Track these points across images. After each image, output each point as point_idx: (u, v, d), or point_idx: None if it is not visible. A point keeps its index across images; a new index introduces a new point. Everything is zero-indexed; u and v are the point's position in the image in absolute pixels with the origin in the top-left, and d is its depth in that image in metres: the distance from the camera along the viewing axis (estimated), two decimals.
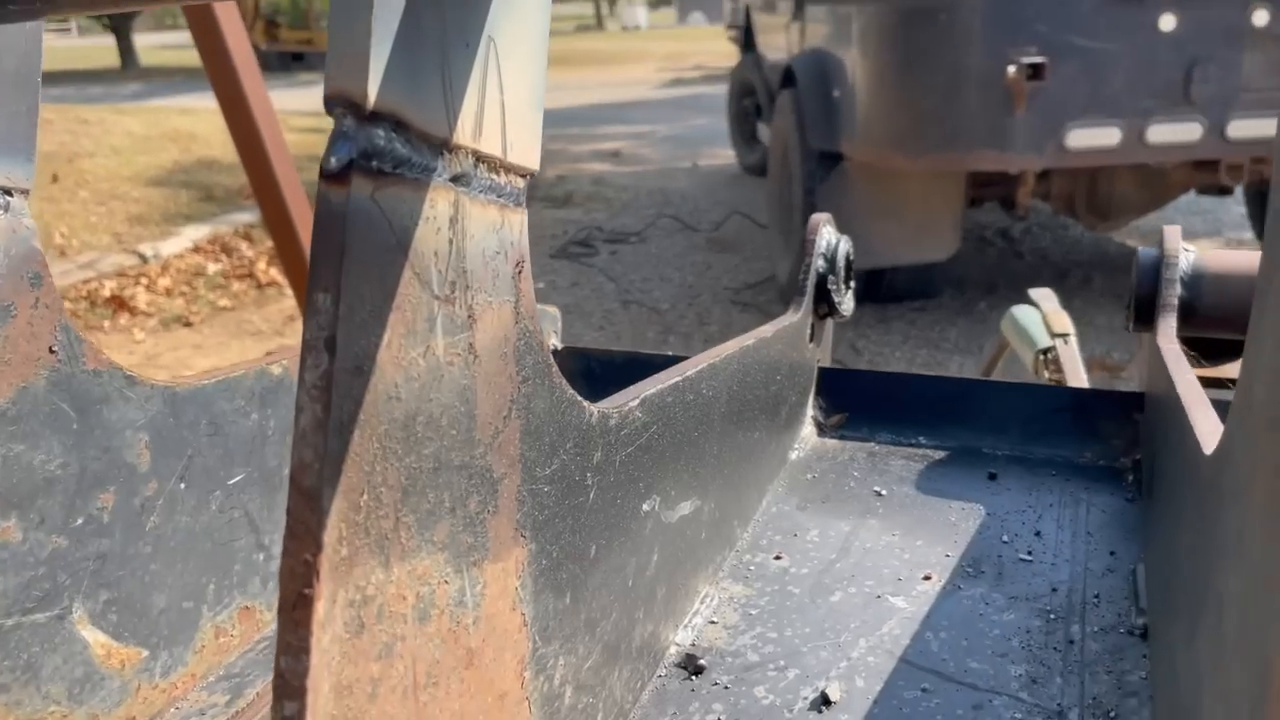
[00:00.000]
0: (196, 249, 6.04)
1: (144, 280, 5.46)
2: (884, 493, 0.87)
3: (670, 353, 0.98)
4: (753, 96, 8.15)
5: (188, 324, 4.99)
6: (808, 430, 1.00)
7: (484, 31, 0.42)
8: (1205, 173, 4.37)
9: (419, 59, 0.38)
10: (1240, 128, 3.54)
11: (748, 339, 0.81)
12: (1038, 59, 3.42)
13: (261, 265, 5.78)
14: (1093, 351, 4.09)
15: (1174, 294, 0.85)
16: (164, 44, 44.42)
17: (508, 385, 0.48)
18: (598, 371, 0.98)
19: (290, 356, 0.71)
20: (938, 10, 3.64)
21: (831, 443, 0.99)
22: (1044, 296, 1.56)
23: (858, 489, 0.88)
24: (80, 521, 0.56)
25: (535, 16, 0.46)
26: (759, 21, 7.65)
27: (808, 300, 0.94)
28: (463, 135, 0.42)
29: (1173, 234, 0.89)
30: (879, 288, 4.67)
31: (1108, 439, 0.92)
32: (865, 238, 4.33)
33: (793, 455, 0.95)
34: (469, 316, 0.44)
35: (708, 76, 19.39)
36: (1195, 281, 0.87)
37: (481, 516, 0.46)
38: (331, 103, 0.36)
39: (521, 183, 0.47)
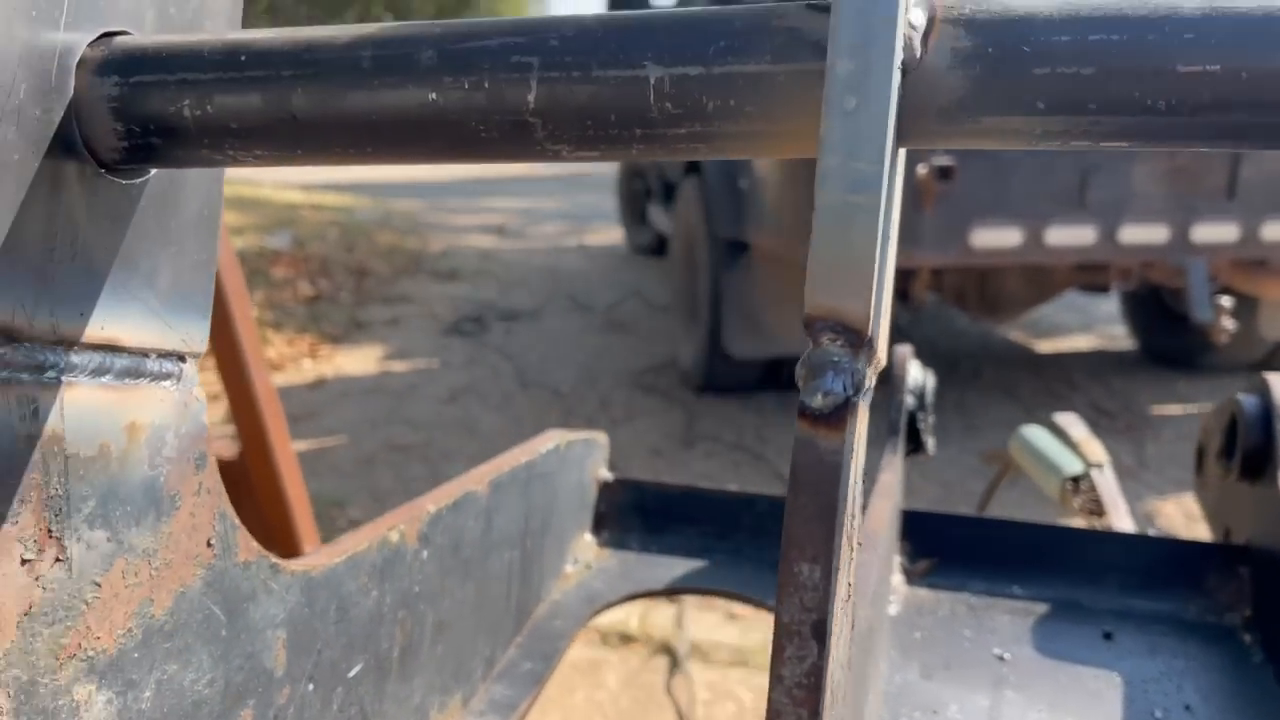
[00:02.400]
0: None
1: None
2: (1006, 657, 0.81)
3: (731, 487, 0.90)
4: (643, 178, 8.23)
5: None
6: (897, 578, 0.93)
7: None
8: (1086, 272, 4.58)
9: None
10: (1130, 233, 3.72)
11: (884, 487, 0.74)
12: (948, 162, 3.53)
13: None
14: (991, 445, 4.19)
15: None
16: None
17: None
18: (652, 506, 0.89)
19: (405, 521, 0.60)
20: None
21: (923, 593, 0.92)
22: (1071, 422, 1.54)
23: (975, 651, 0.82)
24: None
25: None
26: None
27: (902, 440, 0.88)
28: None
29: (1278, 381, 0.86)
30: (779, 375, 4.70)
31: (1211, 593, 0.88)
32: (770, 326, 4.36)
33: (891, 609, 0.88)
34: None
35: None
36: None
37: None
38: (819, 324, 0.29)
39: None
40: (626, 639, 2.66)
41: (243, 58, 0.35)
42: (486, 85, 0.34)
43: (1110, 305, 6.00)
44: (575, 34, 0.33)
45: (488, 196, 12.78)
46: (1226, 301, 3.84)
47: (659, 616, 2.77)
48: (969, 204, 3.64)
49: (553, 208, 11.79)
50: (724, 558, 0.83)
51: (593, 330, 6.02)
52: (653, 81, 0.33)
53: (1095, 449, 1.38)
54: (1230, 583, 0.87)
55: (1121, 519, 1.22)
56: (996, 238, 3.68)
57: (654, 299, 6.68)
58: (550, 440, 0.76)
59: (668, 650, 2.60)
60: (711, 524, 0.85)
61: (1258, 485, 0.84)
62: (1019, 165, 3.66)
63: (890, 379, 0.91)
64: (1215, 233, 3.73)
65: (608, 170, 15.90)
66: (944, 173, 3.53)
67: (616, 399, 4.76)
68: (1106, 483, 1.31)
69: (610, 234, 9.60)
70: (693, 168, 4.93)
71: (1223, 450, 0.89)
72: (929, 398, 0.92)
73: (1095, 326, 5.99)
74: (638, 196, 8.42)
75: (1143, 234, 3.72)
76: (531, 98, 0.33)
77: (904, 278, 4.60)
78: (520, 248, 9.03)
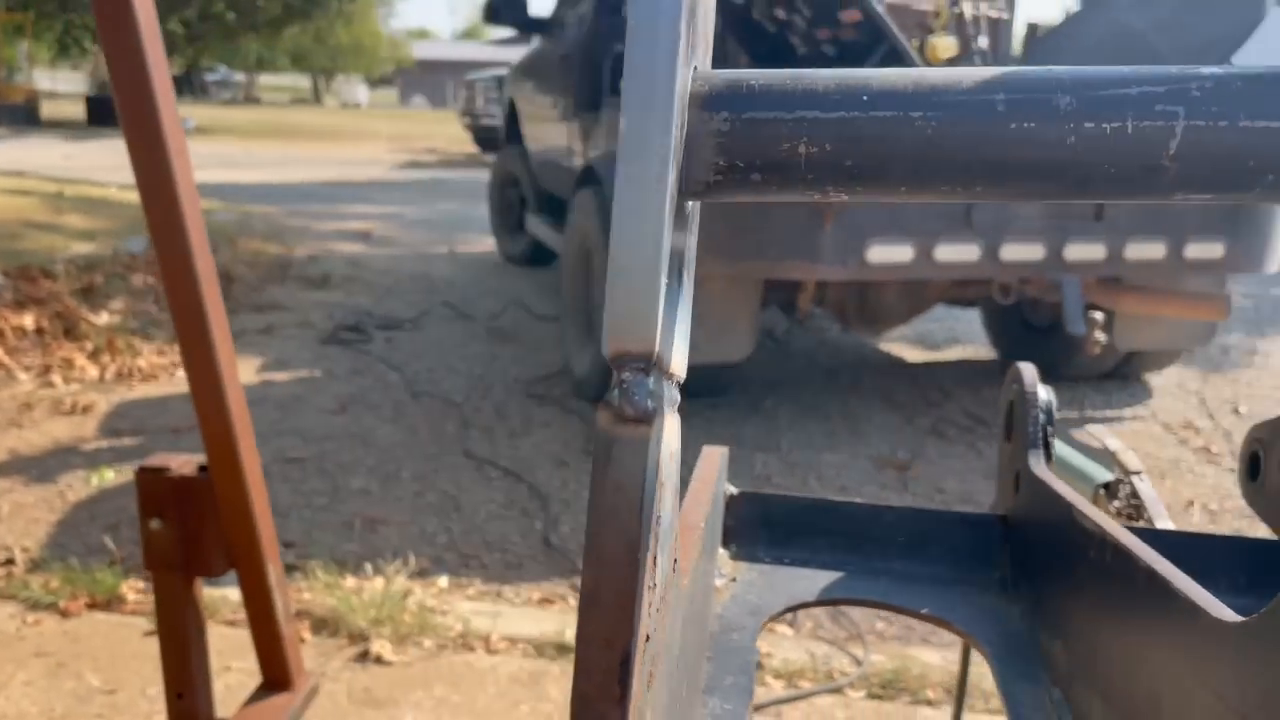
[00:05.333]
0: None
1: None
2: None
3: (853, 500, 0.93)
4: (517, 187, 8.21)
5: None
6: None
7: None
8: (958, 287, 4.86)
9: None
10: (1011, 251, 3.97)
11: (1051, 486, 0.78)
12: None
13: None
14: (879, 450, 4.38)
15: None
16: None
17: None
18: (778, 519, 0.92)
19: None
20: None
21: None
22: (1104, 434, 1.63)
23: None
24: None
25: None
26: (527, 113, 7.76)
27: (1043, 450, 0.92)
28: None
29: None
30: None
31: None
32: None
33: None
34: None
35: (445, 161, 19.38)
36: None
37: None
38: (617, 360, 0.35)
39: None
40: (564, 649, 2.67)
41: (864, 97, 0.37)
42: (1129, 131, 0.37)
43: (973, 317, 6.34)
44: (1215, 86, 0.37)
45: (347, 203, 12.46)
46: (1099, 316, 4.14)
47: None
48: (866, 222, 3.80)
49: (416, 215, 11.60)
50: (857, 569, 0.87)
51: (477, 339, 5.97)
52: None
53: (1132, 458, 1.48)
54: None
55: (1164, 521, 1.32)
56: (891, 254, 3.86)
57: (536, 308, 6.67)
58: (719, 454, 0.79)
59: None
60: (840, 536, 0.89)
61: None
62: None
63: (1022, 397, 0.96)
64: (1085, 251, 4.02)
65: (467, 177, 15.72)
66: None
67: (512, 409, 4.74)
68: (1146, 488, 1.40)
69: (480, 242, 9.52)
70: (589, 179, 4.96)
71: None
72: (1054, 414, 0.98)
73: (960, 339, 6.33)
74: (512, 206, 8.39)
75: (1021, 252, 3.98)
76: (1174, 144, 0.37)
77: (791, 290, 4.77)
78: (389, 254, 8.84)
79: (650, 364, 0.34)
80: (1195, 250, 4.11)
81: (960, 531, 0.90)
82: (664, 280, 0.34)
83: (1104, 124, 0.37)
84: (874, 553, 0.88)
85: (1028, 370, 0.95)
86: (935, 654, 2.75)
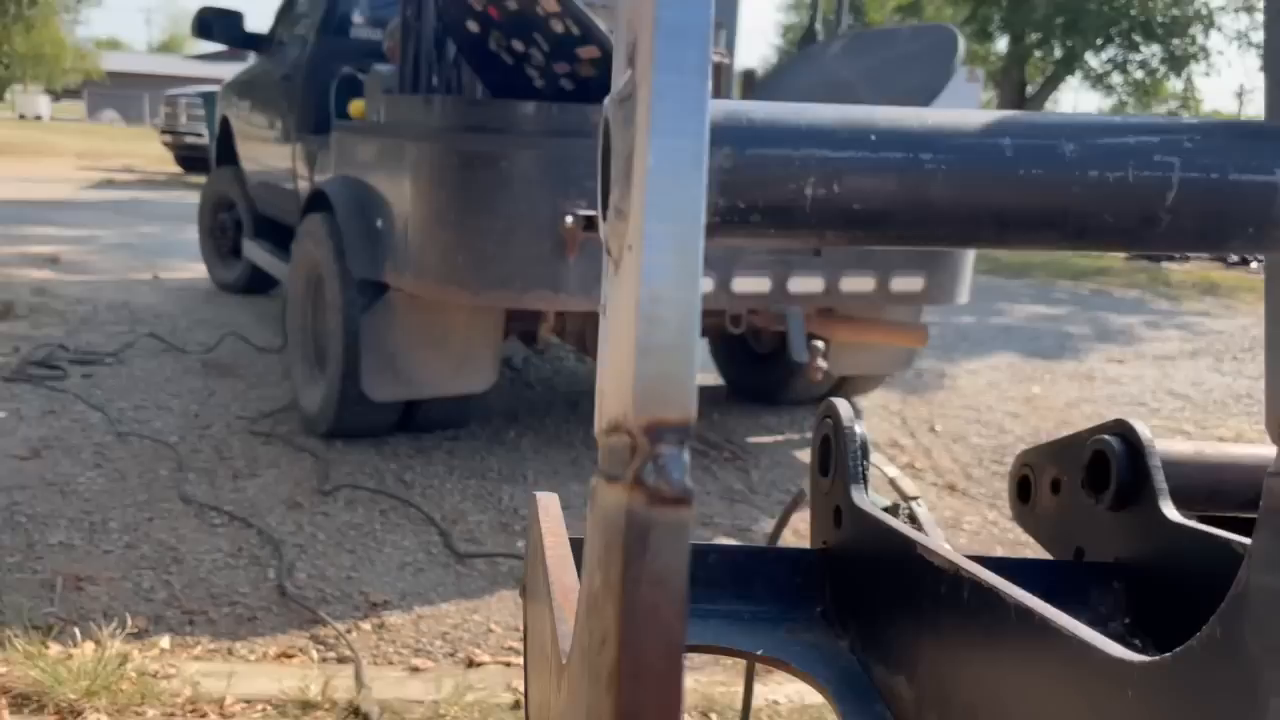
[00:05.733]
0: None
1: None
2: None
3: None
4: (231, 210, 7.72)
5: None
6: None
7: None
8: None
9: None
10: (741, 283, 4.15)
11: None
12: (591, 211, 3.72)
13: None
14: None
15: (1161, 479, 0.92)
16: None
17: None
18: None
19: None
20: (498, 157, 3.81)
21: None
22: (882, 462, 1.68)
23: None
24: None
25: None
26: (243, 133, 7.33)
27: (867, 487, 0.93)
28: None
29: (1143, 427, 1.00)
30: (414, 418, 4.64)
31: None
32: (409, 368, 4.31)
33: None
34: None
35: (144, 180, 17.95)
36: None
37: None
38: (654, 432, 0.29)
39: None
40: (309, 706, 2.50)
41: (873, 137, 0.35)
42: (1131, 180, 0.36)
43: (700, 345, 6.59)
44: (1204, 139, 0.37)
45: (29, 224, 11.23)
46: (819, 344, 4.42)
47: (338, 679, 2.63)
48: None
49: (113, 238, 10.64)
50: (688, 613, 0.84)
51: (191, 374, 5.52)
52: None
53: (909, 484, 1.54)
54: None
55: (941, 543, 1.38)
56: None
57: (256, 339, 6.28)
58: (554, 501, 0.74)
59: (357, 713, 2.48)
60: None
61: (1125, 512, 0.98)
62: None
63: (839, 432, 0.97)
64: (806, 284, 4.28)
65: (169, 199, 14.63)
66: (589, 222, 3.71)
67: (234, 448, 4.41)
68: (924, 513, 1.47)
69: (188, 268, 8.86)
70: (316, 204, 4.73)
71: (1086, 483, 1.04)
72: (869, 448, 0.99)
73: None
74: (226, 230, 7.87)
75: (751, 284, 4.18)
76: (1171, 195, 0.37)
77: (531, 320, 4.75)
78: (82, 281, 8.04)
79: (687, 434, 0.29)
80: (900, 284, 4.48)
81: (782, 568, 0.91)
82: (698, 339, 0.30)
83: (1107, 173, 0.37)
84: (701, 595, 0.87)
85: (843, 406, 0.97)
86: (689, 678, 2.80)
